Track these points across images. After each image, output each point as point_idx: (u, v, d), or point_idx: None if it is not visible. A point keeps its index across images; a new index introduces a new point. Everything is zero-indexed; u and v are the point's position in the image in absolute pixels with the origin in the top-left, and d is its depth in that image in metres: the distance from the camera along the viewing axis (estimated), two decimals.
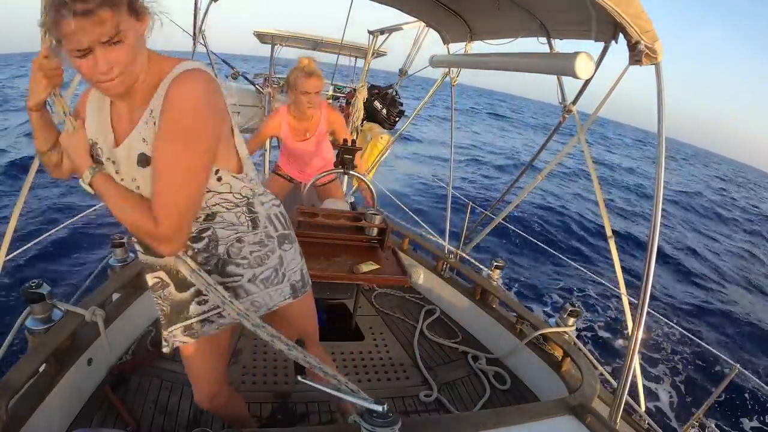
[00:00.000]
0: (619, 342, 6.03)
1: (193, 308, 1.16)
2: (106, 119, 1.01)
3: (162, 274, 1.15)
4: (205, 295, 1.11)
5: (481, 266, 2.89)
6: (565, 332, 2.13)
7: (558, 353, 2.10)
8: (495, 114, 45.03)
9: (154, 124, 0.92)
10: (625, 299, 1.92)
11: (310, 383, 1.01)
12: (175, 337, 1.20)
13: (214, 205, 1.07)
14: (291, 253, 1.27)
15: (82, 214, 2.53)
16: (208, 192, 1.03)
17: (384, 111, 4.42)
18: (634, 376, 1.64)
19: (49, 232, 2.15)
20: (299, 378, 1.02)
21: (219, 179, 1.04)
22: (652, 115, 1.52)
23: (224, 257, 1.12)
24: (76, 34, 0.77)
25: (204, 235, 1.09)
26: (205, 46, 3.96)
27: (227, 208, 1.10)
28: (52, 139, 1.05)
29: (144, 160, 0.94)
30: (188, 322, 1.17)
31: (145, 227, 0.93)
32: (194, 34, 3.79)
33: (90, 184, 0.97)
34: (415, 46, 3.61)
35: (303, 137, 2.64)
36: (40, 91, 0.95)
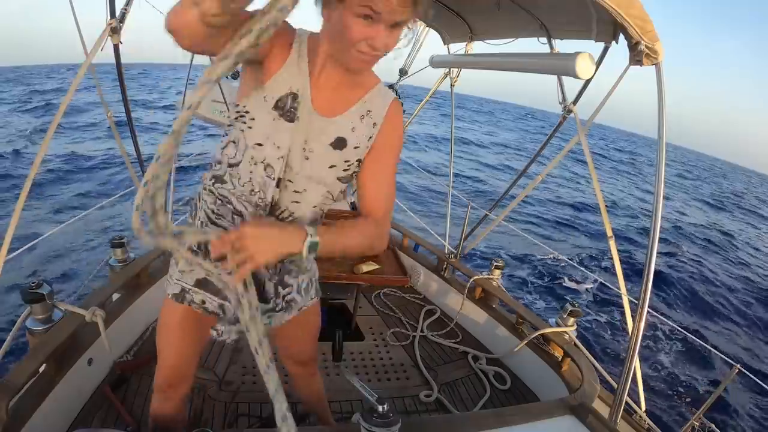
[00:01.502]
0: (619, 342, 6.03)
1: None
2: (303, 73, 0.88)
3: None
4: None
5: (481, 266, 2.90)
6: (565, 332, 2.14)
7: (558, 353, 2.10)
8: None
9: (374, 125, 0.94)
10: (625, 299, 1.92)
11: (347, 375, 1.04)
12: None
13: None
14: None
15: (82, 214, 2.52)
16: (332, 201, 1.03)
17: None
18: (634, 376, 1.64)
19: (50, 232, 2.14)
20: (340, 366, 1.05)
21: None
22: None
23: (286, 263, 1.11)
24: (394, 10, 0.73)
25: None
26: None
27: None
28: None
29: (340, 144, 0.92)
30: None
31: (374, 235, 0.96)
32: None
33: (312, 245, 0.83)
34: (415, 46, 3.60)
35: None
36: None
